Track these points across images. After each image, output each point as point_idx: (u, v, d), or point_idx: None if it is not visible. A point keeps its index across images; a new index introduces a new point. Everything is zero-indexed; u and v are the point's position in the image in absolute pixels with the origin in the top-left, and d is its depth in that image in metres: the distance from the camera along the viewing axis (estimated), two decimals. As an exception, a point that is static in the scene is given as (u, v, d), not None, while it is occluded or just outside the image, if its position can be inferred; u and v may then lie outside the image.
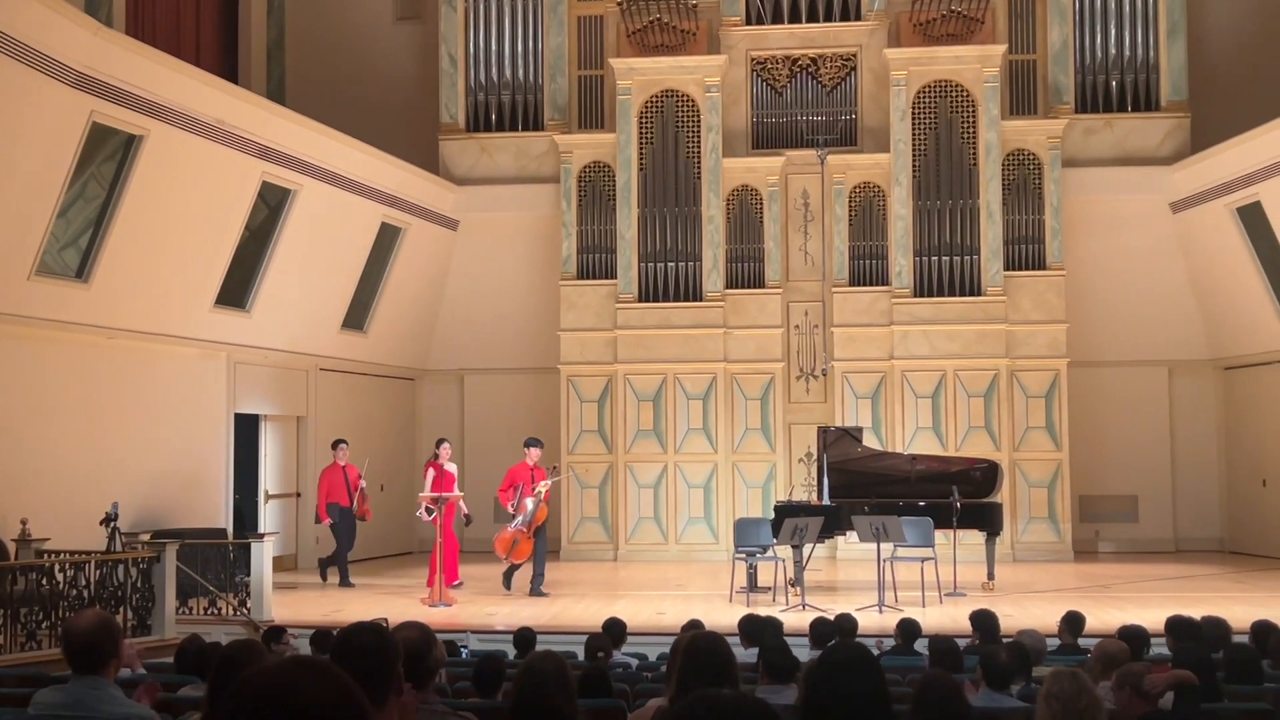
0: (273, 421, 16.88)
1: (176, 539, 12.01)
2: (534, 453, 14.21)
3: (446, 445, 14.65)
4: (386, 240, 17.93)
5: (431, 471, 14.33)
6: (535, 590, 13.79)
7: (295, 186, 15.56)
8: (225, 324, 15.14)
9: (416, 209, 18.22)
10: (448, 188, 18.86)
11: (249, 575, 12.06)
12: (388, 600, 13.41)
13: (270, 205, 15.49)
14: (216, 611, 12.09)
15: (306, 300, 16.57)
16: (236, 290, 15.27)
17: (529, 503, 13.84)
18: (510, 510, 14.03)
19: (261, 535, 12.23)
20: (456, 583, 14.38)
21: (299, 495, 17.34)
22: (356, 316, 17.94)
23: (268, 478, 16.77)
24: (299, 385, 17.19)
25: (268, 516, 16.59)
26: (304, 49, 20.10)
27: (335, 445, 15.57)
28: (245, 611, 11.94)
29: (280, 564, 15.21)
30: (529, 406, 19.56)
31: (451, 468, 14.62)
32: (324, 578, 15.38)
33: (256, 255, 15.46)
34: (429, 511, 13.92)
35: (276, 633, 8.94)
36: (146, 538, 11.98)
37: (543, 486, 14.03)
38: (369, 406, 18.79)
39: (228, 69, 18.31)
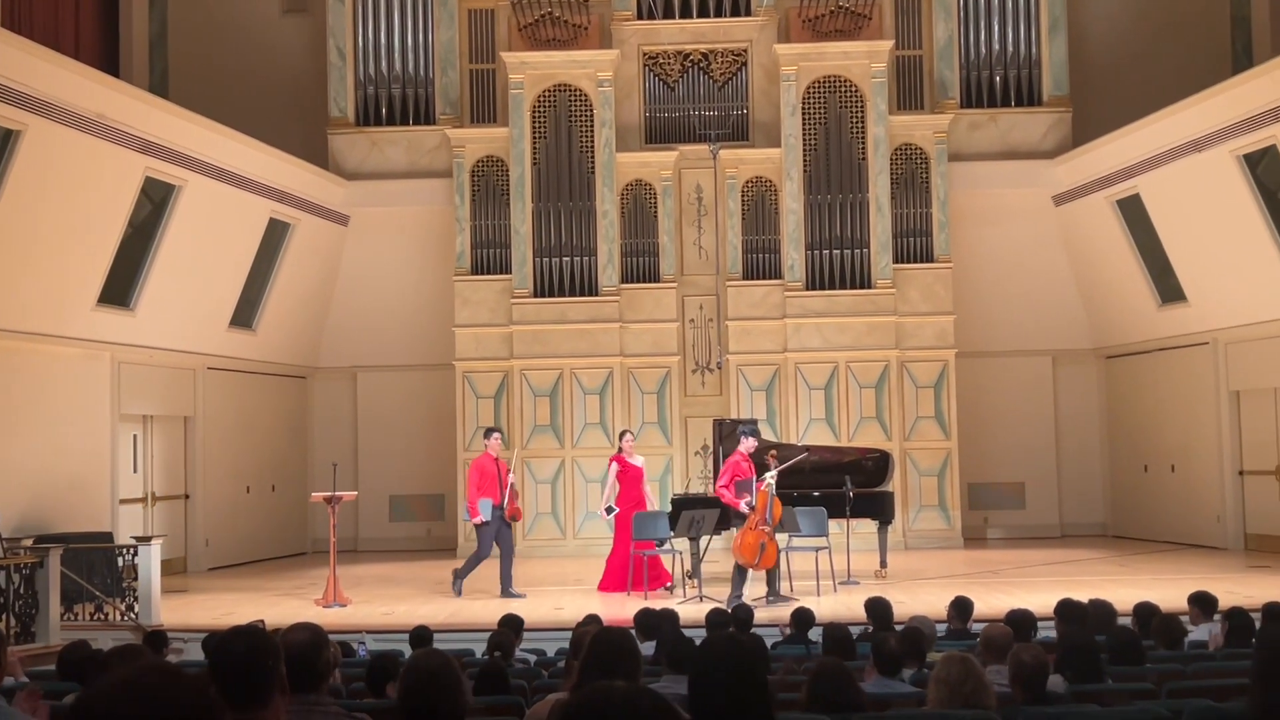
0: (159, 422, 16.52)
1: (61, 544, 11.71)
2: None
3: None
4: (275, 236, 17.65)
5: (615, 466, 13.81)
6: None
7: (180, 182, 15.24)
8: (108, 323, 14.78)
9: (306, 204, 17.96)
10: (338, 183, 18.62)
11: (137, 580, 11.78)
12: (281, 602, 13.21)
13: (154, 201, 15.15)
14: (103, 617, 11.81)
15: (193, 298, 16.25)
16: (120, 288, 14.91)
17: (770, 495, 12.15)
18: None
19: (149, 538, 11.96)
20: (664, 585, 13.32)
21: (187, 497, 17.00)
22: (245, 314, 17.63)
23: (154, 479, 16.41)
24: (186, 385, 16.85)
25: (155, 519, 16.23)
26: (188, 41, 19.68)
27: (487, 434, 13.65)
28: (133, 616, 11.68)
29: (169, 567, 14.89)
30: (424, 403, 19.42)
31: (636, 461, 13.78)
32: (458, 590, 13.34)
33: (140, 252, 15.12)
34: (609, 511, 13.69)
35: (160, 638, 8.75)
36: (29, 543, 11.65)
37: (770, 478, 12.32)
38: (259, 405, 18.49)
39: (108, 62, 17.87)
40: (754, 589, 12.81)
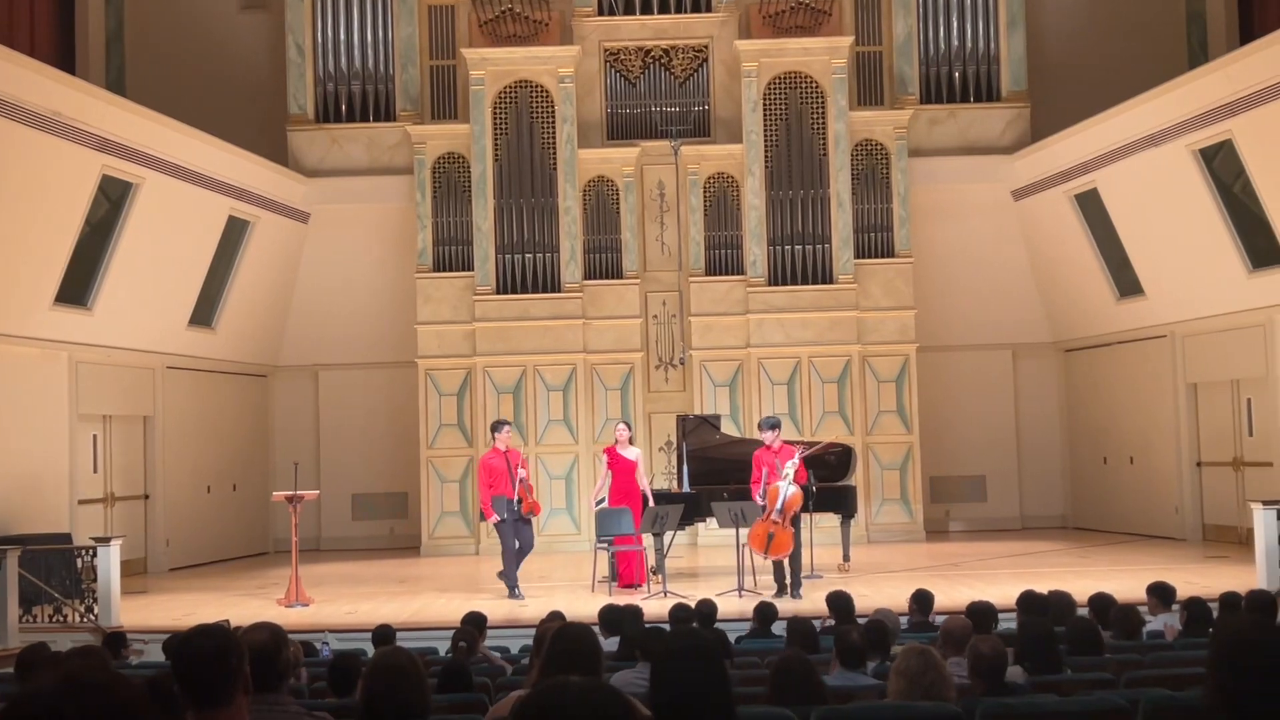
0: (118, 422, 16.38)
1: (19, 545, 11.59)
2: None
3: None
4: (234, 234, 17.53)
5: (605, 457, 13.67)
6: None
7: (137, 180, 15.11)
8: (66, 322, 14.63)
9: (265, 202, 17.85)
10: (297, 180, 18.52)
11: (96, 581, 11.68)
12: (243, 602, 13.13)
13: (111, 199, 15.01)
14: (62, 619, 11.70)
15: (152, 297, 16.12)
16: (77, 287, 14.76)
17: (781, 486, 12.32)
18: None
19: (108, 539, 11.86)
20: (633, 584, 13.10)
21: (147, 498, 16.87)
22: (204, 313, 17.51)
23: (114, 480, 16.27)
24: (145, 384, 16.72)
25: (114, 519, 16.09)
26: (145, 38, 19.51)
27: (495, 428, 13.17)
28: (92, 618, 11.58)
29: (129, 568, 14.77)
30: (386, 401, 19.36)
31: (630, 453, 13.50)
32: (518, 595, 12.75)
33: (98, 251, 14.97)
34: (599, 504, 13.60)
35: (119, 639, 8.68)
36: (-15, 545, 11.52)
37: (789, 469, 12.41)
38: (220, 405, 18.37)
39: (64, 59, 17.68)
40: (718, 584, 12.84)
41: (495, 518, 12.88)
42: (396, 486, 19.32)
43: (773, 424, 13.04)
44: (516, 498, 12.84)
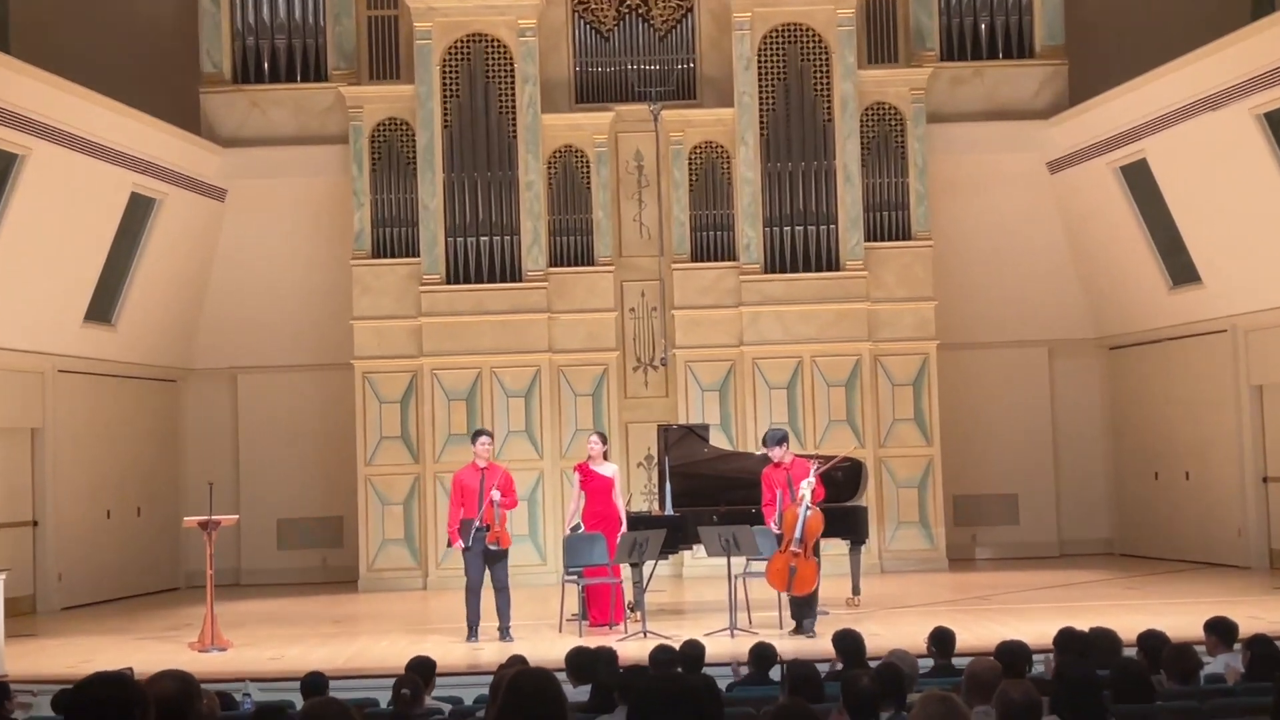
0: (1, 436, 16.29)
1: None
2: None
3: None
4: (138, 213, 17.47)
5: (577, 475, 13.60)
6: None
7: (23, 151, 15.04)
8: (-61, 318, 14.57)
9: (174, 176, 17.80)
10: (212, 150, 18.47)
11: None
12: (149, 646, 13.09)
13: (-8, 173, 14.95)
14: (-65, 668, 11.62)
15: (40, 288, 16.04)
16: (-48, 277, 14.70)
17: (799, 511, 12.36)
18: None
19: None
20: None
21: (35, 524, 16.78)
22: (103, 307, 17.44)
23: (-3, 504, 16.19)
24: (33, 391, 16.63)
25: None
26: (31, -16, 19.41)
27: (475, 437, 13.23)
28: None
29: (14, 607, 14.69)
30: (317, 410, 19.36)
31: (605, 469, 13.46)
32: (473, 633, 12.79)
33: (-24, 234, 14.91)
34: (574, 530, 13.49)
35: (2, 691, 8.64)
36: None
37: (805, 489, 12.51)
38: (121, 414, 18.30)
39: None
40: (707, 622, 12.84)
41: (459, 544, 12.83)
42: (330, 510, 19.31)
43: (779, 438, 13.05)
44: (483, 523, 12.76)
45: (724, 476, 14.61)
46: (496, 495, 12.71)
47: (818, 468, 12.85)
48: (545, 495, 18.04)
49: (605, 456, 13.78)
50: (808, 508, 12.45)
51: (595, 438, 13.85)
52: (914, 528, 18.22)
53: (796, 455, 13.20)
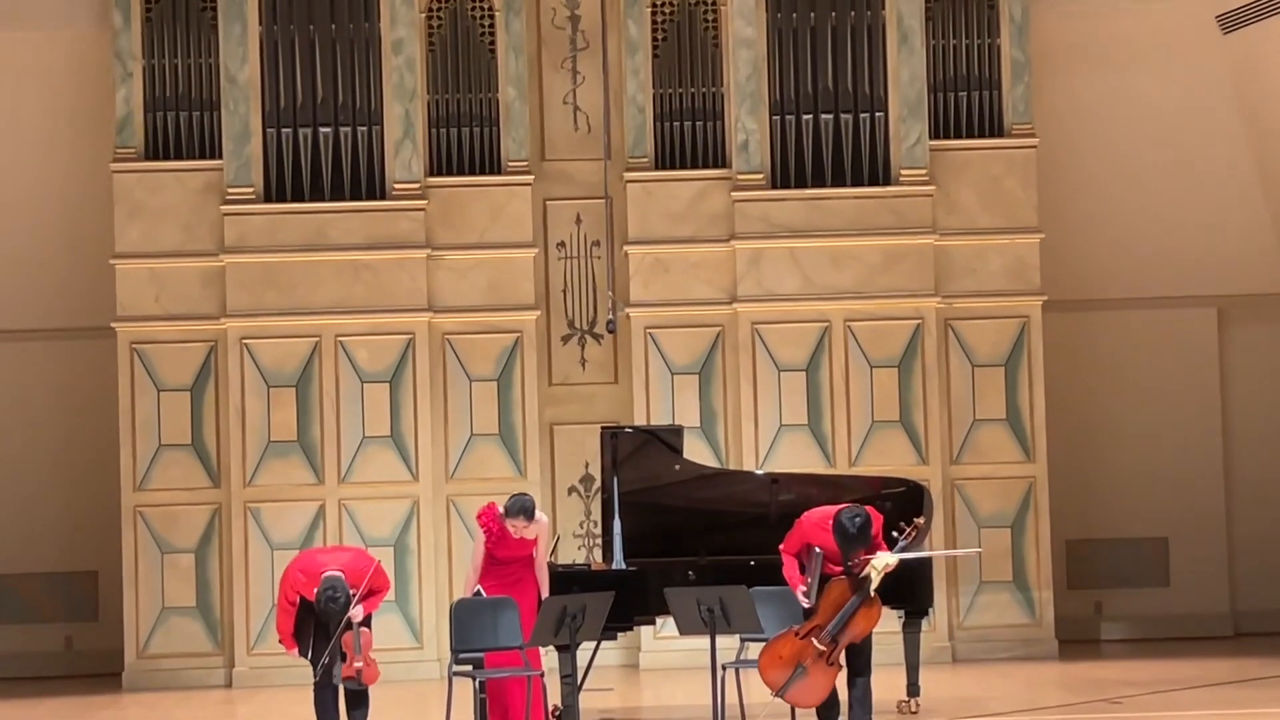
0: None
1: None
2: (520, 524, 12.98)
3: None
4: None
5: (481, 537, 13.36)
6: None
7: None
8: None
9: None
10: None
11: None
12: None
13: None
14: None
15: None
16: None
17: (856, 599, 12.02)
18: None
19: None
20: None
21: None
22: None
23: None
24: None
25: None
26: None
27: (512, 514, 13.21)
28: None
29: None
30: (55, 403, 19.38)
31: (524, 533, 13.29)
32: None
33: None
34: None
35: None
36: None
37: (879, 566, 12.07)
38: None
39: None
40: None
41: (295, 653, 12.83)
42: (76, 562, 19.32)
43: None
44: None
45: (707, 510, 14.68)
46: (359, 613, 12.43)
47: (906, 542, 12.40)
48: (421, 538, 18.13)
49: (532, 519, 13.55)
50: (868, 594, 12.32)
51: (521, 521, 13.15)
52: (1004, 591, 18.36)
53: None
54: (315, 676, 12.25)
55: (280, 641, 12.58)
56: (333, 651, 12.00)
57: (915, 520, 12.56)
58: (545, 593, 13.41)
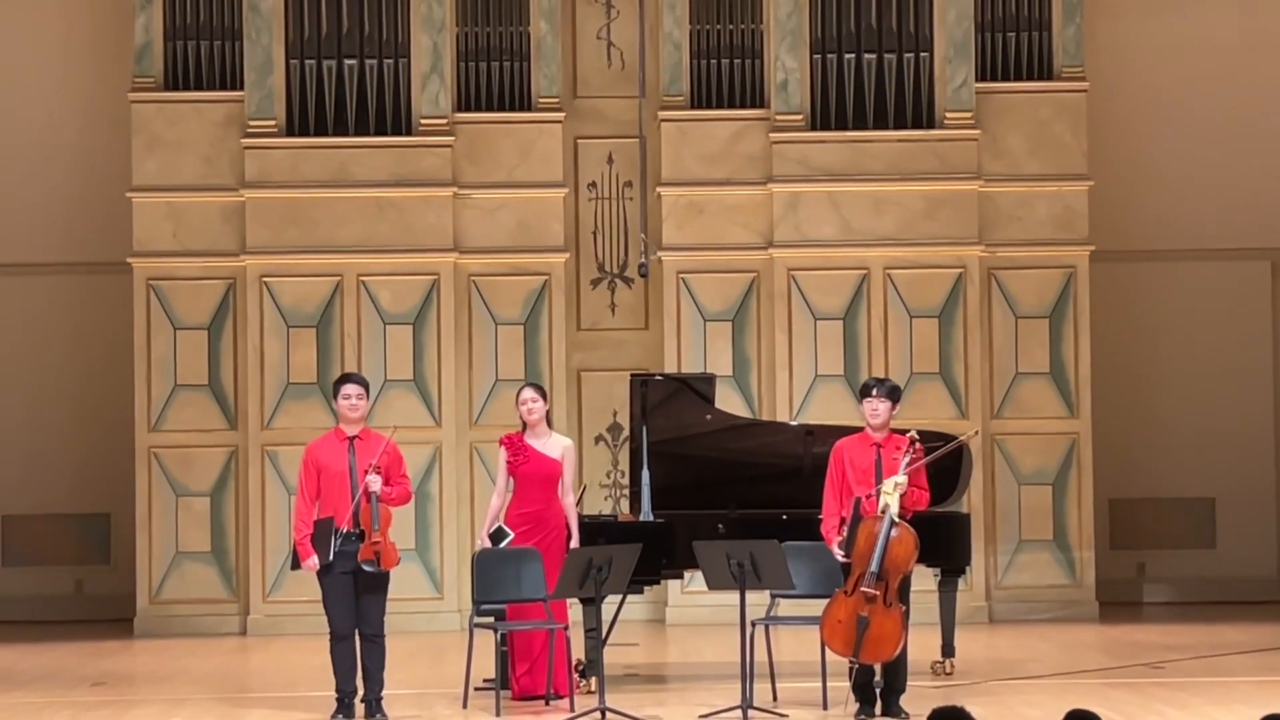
0: None
1: None
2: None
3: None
4: None
5: (503, 452, 13.49)
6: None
7: None
8: None
9: None
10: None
11: None
12: None
13: None
14: None
15: None
16: None
17: (883, 527, 11.97)
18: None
19: None
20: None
21: None
22: None
23: None
24: None
25: None
26: None
27: (338, 387, 13.00)
28: None
29: None
30: (69, 340, 19.46)
31: (549, 446, 13.47)
32: (342, 709, 12.57)
33: None
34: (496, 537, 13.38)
35: None
36: None
37: (892, 491, 12.16)
38: None
39: None
40: (705, 695, 12.82)
41: (311, 561, 12.56)
42: (88, 504, 19.41)
43: (890, 390, 12.93)
44: (354, 526, 12.51)
45: (738, 461, 14.68)
46: (376, 482, 12.37)
47: (911, 456, 12.41)
48: (443, 485, 18.16)
49: (549, 424, 13.69)
50: (893, 522, 12.13)
51: (530, 392, 13.67)
52: (1045, 550, 18.39)
53: (894, 430, 12.91)
54: (327, 560, 12.05)
55: (296, 546, 12.44)
56: (353, 516, 12.09)
57: (911, 435, 12.52)
58: (575, 540, 13.41)
